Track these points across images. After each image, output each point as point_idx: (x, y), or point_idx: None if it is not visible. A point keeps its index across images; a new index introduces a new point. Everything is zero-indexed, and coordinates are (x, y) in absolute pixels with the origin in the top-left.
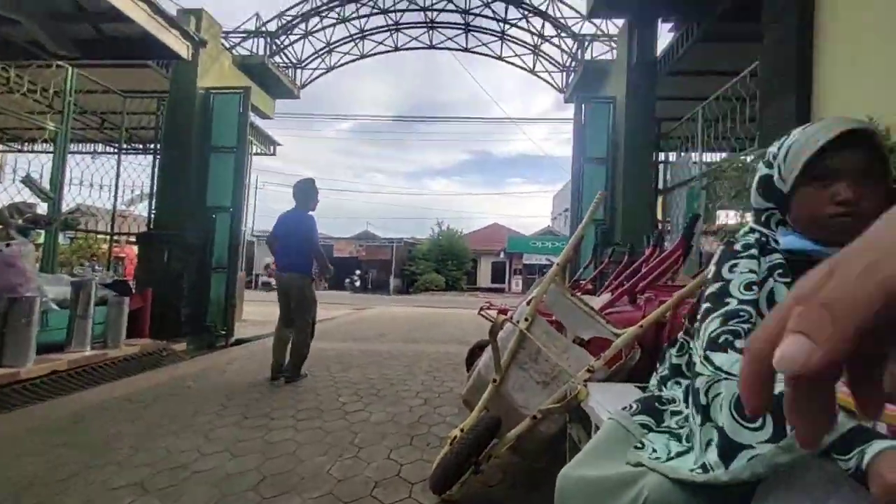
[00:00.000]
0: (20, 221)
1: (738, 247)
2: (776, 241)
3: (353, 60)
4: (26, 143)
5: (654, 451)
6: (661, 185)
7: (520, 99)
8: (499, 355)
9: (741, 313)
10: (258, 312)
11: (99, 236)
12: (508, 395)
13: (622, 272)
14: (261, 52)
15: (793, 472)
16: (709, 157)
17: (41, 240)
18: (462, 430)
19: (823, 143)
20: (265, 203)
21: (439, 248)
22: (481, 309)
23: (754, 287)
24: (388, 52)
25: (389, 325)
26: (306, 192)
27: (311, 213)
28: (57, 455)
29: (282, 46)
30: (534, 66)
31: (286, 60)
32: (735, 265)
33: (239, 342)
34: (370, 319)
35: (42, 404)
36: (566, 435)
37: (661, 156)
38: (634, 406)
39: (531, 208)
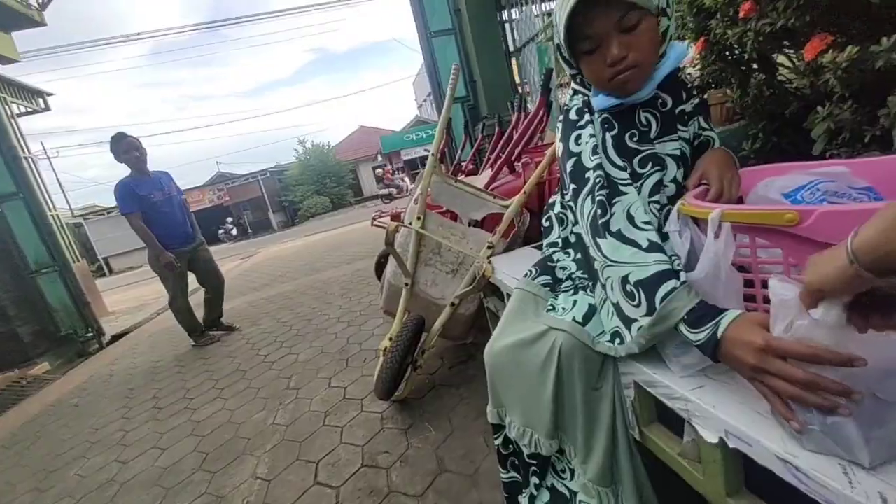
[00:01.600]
0: None
1: (572, 115)
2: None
3: None
4: None
5: (564, 309)
6: (511, 47)
7: None
8: (402, 260)
9: (597, 180)
10: (125, 299)
11: None
12: (424, 293)
13: (497, 144)
14: None
15: (662, 341)
16: (550, 5)
17: None
18: (391, 339)
19: (570, 9)
20: (72, 174)
21: (312, 168)
22: (373, 219)
23: (598, 149)
24: None
25: (286, 264)
26: (128, 151)
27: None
28: None
29: None
30: None
31: None
32: (579, 136)
33: (115, 338)
34: (263, 264)
35: None
36: (485, 309)
37: (506, 14)
38: (534, 271)
39: (394, 101)
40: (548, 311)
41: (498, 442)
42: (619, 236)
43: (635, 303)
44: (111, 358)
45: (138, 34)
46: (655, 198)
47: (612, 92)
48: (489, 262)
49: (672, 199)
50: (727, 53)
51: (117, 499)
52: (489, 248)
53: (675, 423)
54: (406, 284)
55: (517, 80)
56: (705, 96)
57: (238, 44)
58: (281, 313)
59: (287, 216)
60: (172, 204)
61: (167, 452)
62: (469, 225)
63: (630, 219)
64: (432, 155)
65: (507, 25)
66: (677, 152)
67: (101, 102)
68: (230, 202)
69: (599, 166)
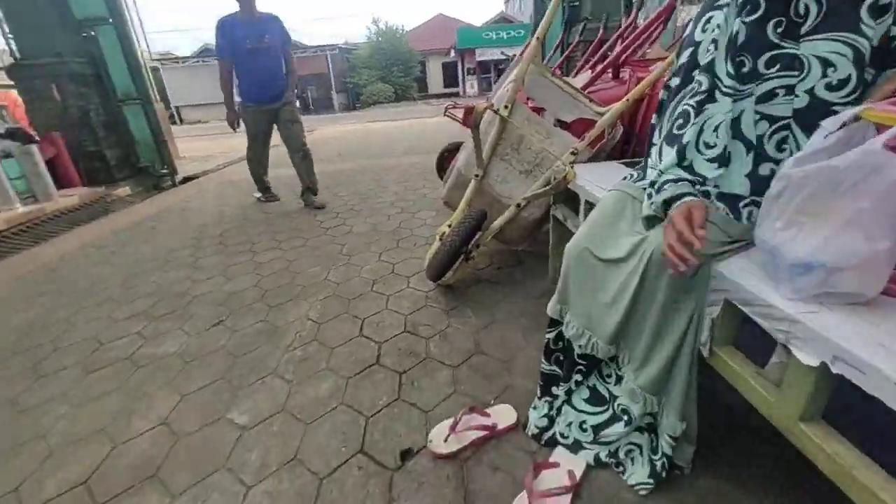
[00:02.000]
0: None
1: None
2: None
3: None
4: None
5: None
6: None
7: None
8: (481, 149)
9: (696, 85)
10: (194, 148)
11: None
12: (492, 189)
13: (597, 49)
14: None
15: (777, 264)
16: None
17: None
18: (450, 226)
19: None
20: (151, 18)
21: (381, 52)
22: (446, 109)
23: (711, 45)
24: None
25: (346, 145)
26: None
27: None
28: (44, 303)
29: None
30: None
31: None
32: (709, 19)
33: (187, 179)
34: (321, 141)
35: None
36: (547, 218)
37: None
38: (635, 174)
39: None
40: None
41: (550, 336)
42: (680, 151)
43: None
44: (183, 196)
45: None
46: (768, 105)
47: None
48: (572, 167)
49: (802, 114)
50: None
51: (190, 307)
52: (573, 153)
53: (746, 348)
54: (476, 176)
55: None
56: None
57: None
58: (338, 188)
59: (349, 99)
60: (269, 55)
61: (232, 282)
62: (554, 125)
63: (699, 134)
64: (536, 38)
65: None
66: (833, 55)
67: None
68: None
69: (710, 66)
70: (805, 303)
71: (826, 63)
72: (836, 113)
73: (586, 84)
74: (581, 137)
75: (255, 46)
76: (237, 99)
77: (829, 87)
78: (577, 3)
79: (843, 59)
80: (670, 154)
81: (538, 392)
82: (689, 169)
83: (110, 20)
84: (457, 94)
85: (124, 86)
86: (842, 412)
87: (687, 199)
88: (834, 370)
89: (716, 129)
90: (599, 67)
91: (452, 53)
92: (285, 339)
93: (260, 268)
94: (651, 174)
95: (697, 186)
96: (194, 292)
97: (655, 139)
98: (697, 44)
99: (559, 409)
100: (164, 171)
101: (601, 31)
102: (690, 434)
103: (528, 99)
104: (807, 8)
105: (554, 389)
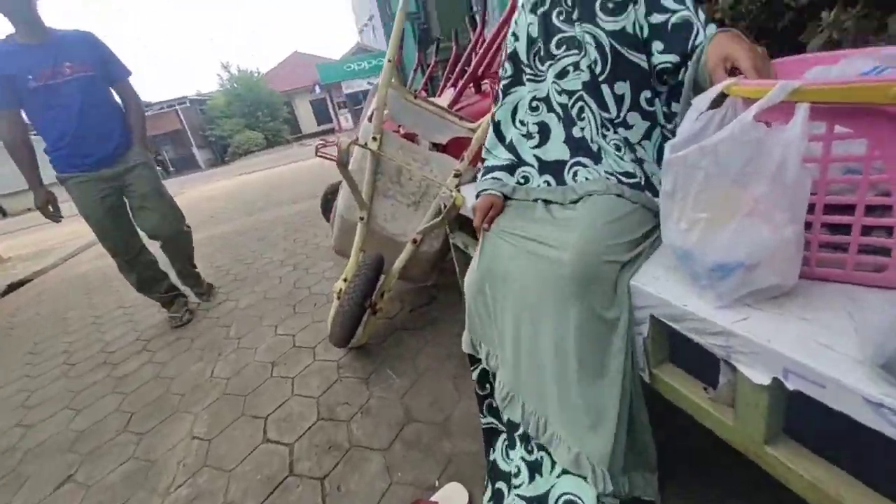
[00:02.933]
0: None
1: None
2: None
3: None
4: None
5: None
6: None
7: None
8: (357, 188)
9: (504, 69)
10: (25, 244)
11: None
12: (382, 229)
13: (454, 66)
14: None
15: (694, 270)
16: None
17: None
18: (346, 280)
19: None
20: None
21: (239, 98)
22: (318, 149)
23: (511, 38)
24: None
25: (218, 205)
26: None
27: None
28: None
29: None
30: None
31: None
32: (516, 21)
33: (13, 287)
34: (190, 205)
35: None
36: (448, 247)
37: None
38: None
39: (332, 24)
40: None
41: (475, 377)
42: (496, 128)
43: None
44: (9, 309)
45: None
46: (562, 81)
47: None
48: (458, 191)
49: (587, 86)
50: None
51: (22, 468)
52: (456, 175)
53: (688, 365)
54: (361, 219)
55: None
56: None
57: None
58: (216, 257)
59: (215, 153)
60: (79, 91)
61: (83, 413)
62: (429, 150)
63: (514, 113)
64: (388, 61)
65: None
66: (594, 41)
67: None
68: None
69: (514, 54)
70: (733, 309)
71: (595, 45)
72: (599, 87)
73: (451, 102)
74: (460, 157)
75: (46, 82)
76: (53, 172)
77: (612, 69)
78: (426, 26)
79: (590, 46)
80: (491, 135)
81: (485, 457)
82: (511, 148)
83: None
84: (332, 130)
85: None
86: (802, 419)
87: (484, 193)
88: (790, 386)
89: (525, 107)
90: (461, 83)
91: (318, 90)
92: (165, 478)
93: (121, 383)
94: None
95: (520, 170)
96: (27, 444)
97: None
98: (509, 37)
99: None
100: None
101: (454, 49)
102: (650, 460)
103: (398, 127)
104: (572, 2)
105: (497, 446)
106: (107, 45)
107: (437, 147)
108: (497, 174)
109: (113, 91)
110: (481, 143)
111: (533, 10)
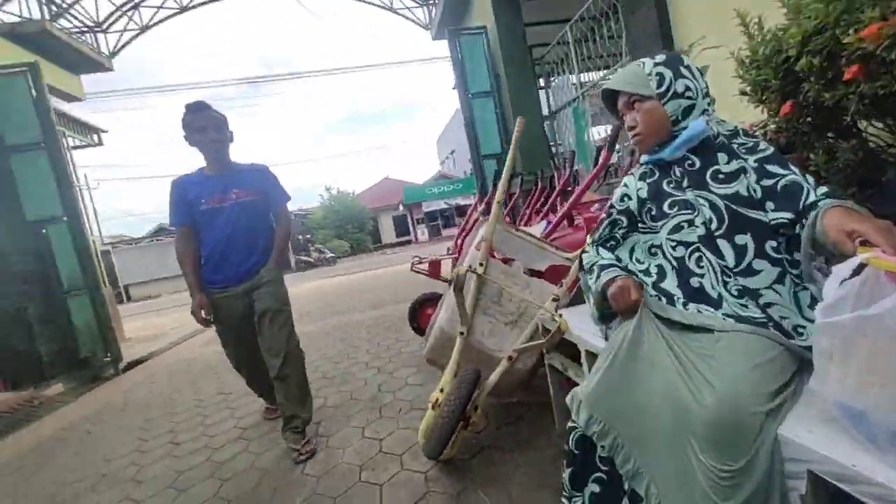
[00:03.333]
0: None
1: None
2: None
3: (173, 15)
4: None
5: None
6: (546, 111)
7: (384, 46)
8: (465, 308)
9: (617, 222)
10: (142, 327)
11: None
12: (480, 344)
13: (539, 198)
14: (36, 16)
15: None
16: (585, 75)
17: None
18: (442, 391)
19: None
20: (106, 205)
21: (335, 213)
22: (413, 265)
23: (625, 198)
24: (176, 13)
25: (308, 304)
26: (202, 129)
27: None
28: None
29: (63, 6)
30: (392, 3)
31: (79, 24)
32: (625, 184)
33: (132, 365)
34: None
35: None
36: (541, 365)
37: (542, 81)
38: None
39: (417, 155)
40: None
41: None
42: (617, 259)
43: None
44: (127, 385)
45: (180, 85)
46: (677, 235)
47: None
48: (561, 316)
49: (703, 239)
50: (810, 119)
51: None
52: (554, 300)
53: None
54: (462, 333)
55: (551, 142)
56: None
57: (278, 98)
58: (307, 353)
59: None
60: (237, 215)
61: (185, 495)
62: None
63: (632, 252)
64: (497, 202)
65: (542, 91)
66: (707, 203)
67: (144, 142)
68: None
69: (627, 210)
70: None
71: (710, 205)
72: (715, 240)
73: (547, 233)
74: (558, 283)
75: (213, 205)
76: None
77: (729, 225)
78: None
79: (704, 206)
80: (608, 254)
81: None
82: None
83: (64, 218)
84: (409, 242)
85: (71, 277)
86: None
87: (618, 278)
88: None
89: (643, 250)
90: (554, 217)
91: (401, 207)
92: None
93: (220, 469)
94: (586, 259)
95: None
96: None
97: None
98: (620, 196)
99: None
100: (107, 359)
101: (538, 184)
102: None
103: (493, 253)
104: (681, 174)
105: None
106: (275, 176)
107: (534, 273)
108: (613, 269)
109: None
110: (578, 272)
111: (642, 179)
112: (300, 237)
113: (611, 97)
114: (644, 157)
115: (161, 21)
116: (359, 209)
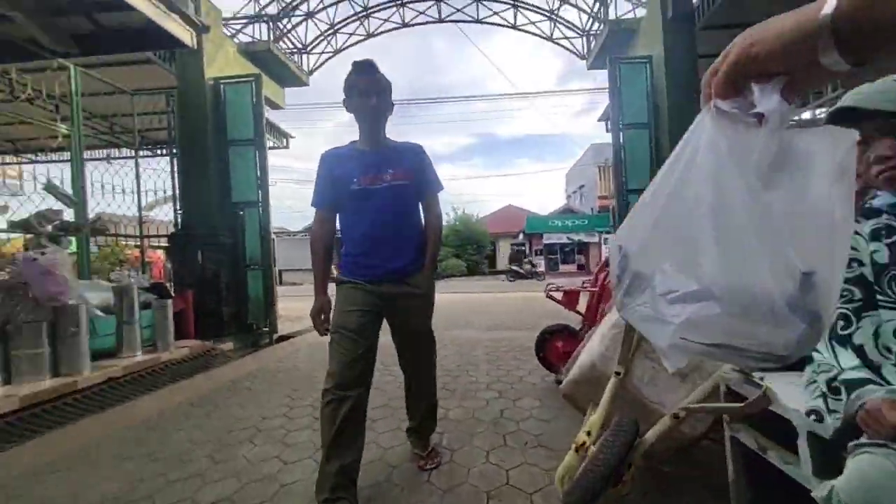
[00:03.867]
0: (49, 229)
1: None
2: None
3: (361, 41)
4: (38, 153)
5: None
6: None
7: (525, 75)
8: (630, 344)
9: (843, 293)
10: (290, 308)
11: (122, 242)
12: (636, 390)
13: None
14: (264, 38)
15: None
16: None
17: (73, 247)
18: (589, 434)
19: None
20: (280, 200)
21: (457, 233)
22: (548, 292)
23: (853, 263)
24: (396, 28)
25: None
26: (364, 93)
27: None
28: (132, 469)
29: (285, 31)
30: (552, 33)
31: (291, 46)
32: (854, 244)
33: (281, 339)
34: None
35: (103, 413)
36: (709, 434)
37: None
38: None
39: (544, 187)
40: None
41: None
42: (859, 352)
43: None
44: (279, 355)
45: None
46: None
47: (885, 187)
48: (762, 379)
49: None
50: None
51: (276, 500)
52: None
53: None
54: (617, 373)
55: None
56: None
57: (422, 119)
58: None
59: None
60: (392, 200)
61: None
62: None
63: (876, 338)
64: None
65: None
66: None
67: (309, 150)
68: None
69: (860, 279)
70: None
71: None
72: None
73: None
74: None
75: (366, 185)
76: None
77: None
78: None
79: None
80: (847, 354)
81: None
82: (877, 371)
83: (259, 203)
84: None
85: (253, 254)
86: None
87: (864, 395)
88: None
89: (890, 334)
90: None
91: (521, 236)
92: None
93: None
94: (822, 377)
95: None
96: (283, 479)
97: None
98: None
99: None
100: (266, 328)
101: None
102: None
103: None
104: None
105: None
106: (429, 158)
107: None
108: (869, 385)
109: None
110: None
111: (876, 238)
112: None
113: (845, 119)
114: (879, 201)
115: (350, 45)
116: (480, 232)
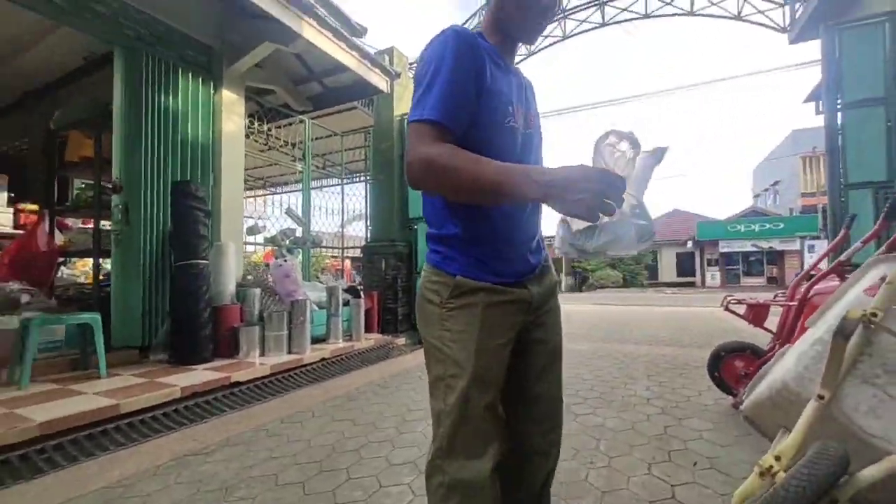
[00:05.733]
0: (287, 242)
1: None
2: None
3: (555, 43)
4: (279, 186)
5: None
6: None
7: (701, 67)
8: (838, 365)
9: None
10: None
11: (323, 252)
12: (849, 420)
13: None
14: None
15: None
16: None
17: (299, 256)
18: (778, 459)
19: None
20: None
21: None
22: (727, 303)
23: None
24: (594, 28)
25: (575, 325)
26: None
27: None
28: (341, 430)
29: None
30: (739, 11)
31: None
32: None
33: None
34: None
35: (320, 384)
36: None
37: None
38: None
39: (720, 189)
40: None
41: None
42: None
43: None
44: None
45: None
46: None
47: None
48: None
49: None
50: None
51: None
52: None
53: None
54: (820, 397)
55: None
56: None
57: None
58: (579, 368)
59: (575, 281)
60: (536, 152)
61: None
62: None
63: None
64: None
65: None
66: None
67: None
68: None
69: None
70: None
71: None
72: None
73: None
74: None
75: (516, 125)
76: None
77: None
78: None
79: None
80: None
81: None
82: None
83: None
84: (692, 284)
85: (421, 262)
86: None
87: None
88: None
89: None
90: None
91: (689, 244)
92: None
93: None
94: None
95: None
96: None
97: None
98: None
99: None
100: None
101: None
102: None
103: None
104: None
105: None
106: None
107: None
108: None
109: None
110: None
111: None
112: (572, 264)
113: None
114: None
115: (544, 48)
116: None
